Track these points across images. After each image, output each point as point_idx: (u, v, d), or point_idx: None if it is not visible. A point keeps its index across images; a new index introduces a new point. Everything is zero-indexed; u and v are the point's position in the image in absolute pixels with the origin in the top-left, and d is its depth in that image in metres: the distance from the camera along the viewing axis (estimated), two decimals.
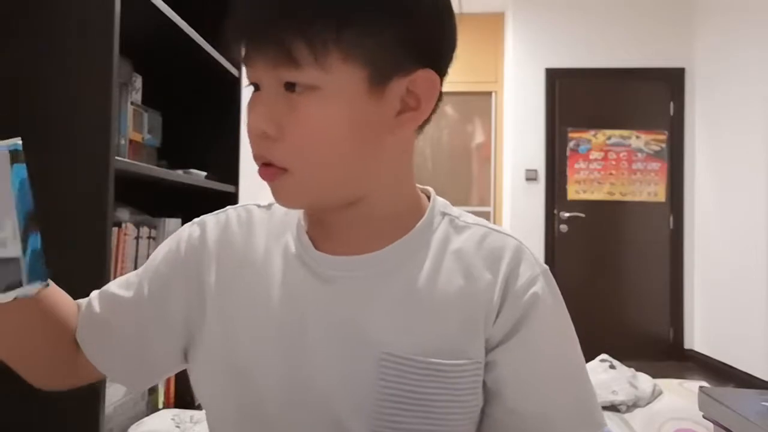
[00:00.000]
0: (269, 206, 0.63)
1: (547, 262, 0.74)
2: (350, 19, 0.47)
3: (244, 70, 0.54)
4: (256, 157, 0.53)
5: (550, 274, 0.58)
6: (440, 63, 0.54)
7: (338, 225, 0.57)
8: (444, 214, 0.59)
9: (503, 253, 0.56)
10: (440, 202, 0.61)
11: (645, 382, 1.77)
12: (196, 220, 0.66)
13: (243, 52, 0.51)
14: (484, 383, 0.54)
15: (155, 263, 0.65)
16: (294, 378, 0.53)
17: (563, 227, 4.30)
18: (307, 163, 0.50)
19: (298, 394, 0.53)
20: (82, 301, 0.65)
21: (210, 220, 0.64)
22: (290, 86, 0.49)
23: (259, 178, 0.55)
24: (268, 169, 0.52)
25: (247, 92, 0.56)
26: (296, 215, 0.60)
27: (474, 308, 0.54)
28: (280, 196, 0.54)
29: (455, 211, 0.61)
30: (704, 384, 1.61)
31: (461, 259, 0.56)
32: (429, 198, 0.61)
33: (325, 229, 0.58)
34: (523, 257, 0.57)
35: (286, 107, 0.49)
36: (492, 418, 0.54)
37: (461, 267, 0.55)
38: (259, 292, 0.57)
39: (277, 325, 0.55)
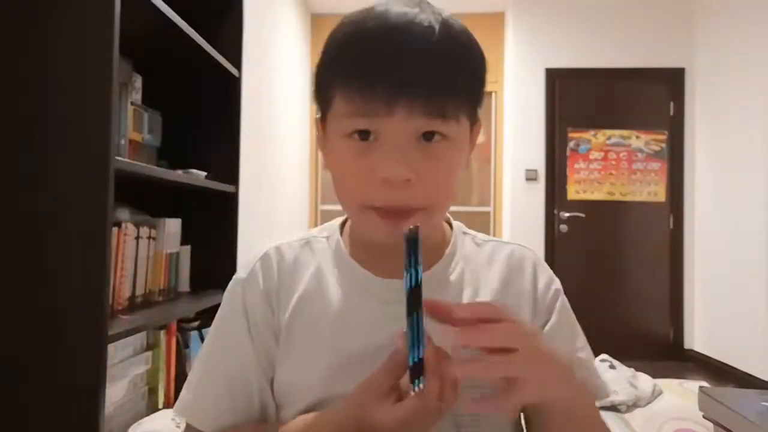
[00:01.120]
0: (307, 241, 0.68)
1: (547, 261, 0.75)
2: (476, 84, 0.59)
3: (343, 119, 0.57)
4: (384, 201, 0.56)
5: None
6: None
7: (393, 251, 0.56)
8: (464, 233, 0.70)
9: (524, 262, 0.68)
10: (458, 225, 0.71)
11: (645, 382, 1.77)
12: (230, 288, 0.67)
13: (376, 96, 0.53)
14: None
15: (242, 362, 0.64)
16: None
17: (563, 227, 4.30)
18: (445, 200, 0.60)
19: None
20: None
21: (249, 276, 0.66)
22: (429, 136, 0.56)
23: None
24: (401, 211, 0.57)
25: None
26: (331, 246, 0.67)
27: (513, 306, 0.63)
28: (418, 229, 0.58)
29: (471, 231, 0.72)
30: (704, 384, 1.61)
31: (491, 269, 0.66)
32: (449, 223, 0.71)
33: (371, 255, 0.64)
34: (538, 265, 0.69)
35: (423, 155, 0.55)
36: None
37: (493, 275, 0.66)
38: (326, 323, 0.62)
39: (350, 354, 0.60)
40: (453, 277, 0.65)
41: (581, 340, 0.68)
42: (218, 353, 0.64)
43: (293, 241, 0.68)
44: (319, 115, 0.62)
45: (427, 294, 0.50)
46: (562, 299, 0.67)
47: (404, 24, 0.54)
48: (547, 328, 0.65)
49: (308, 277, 0.64)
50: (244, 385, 0.62)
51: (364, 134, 0.55)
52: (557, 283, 0.68)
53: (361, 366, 0.55)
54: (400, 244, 0.52)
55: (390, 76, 0.53)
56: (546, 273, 0.68)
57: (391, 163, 0.54)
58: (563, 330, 0.65)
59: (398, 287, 0.51)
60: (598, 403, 0.65)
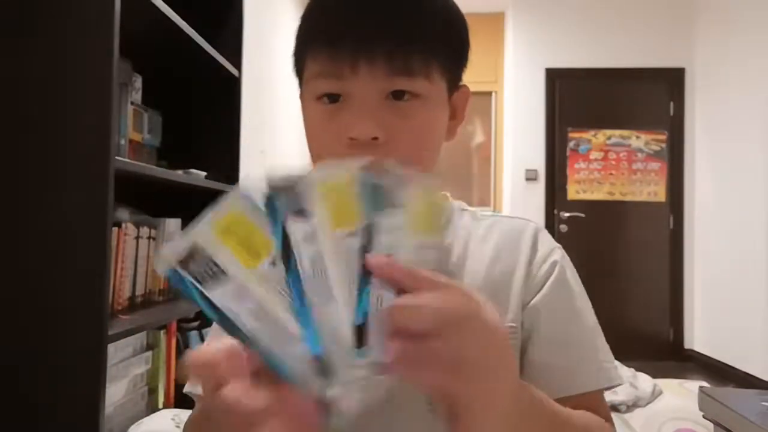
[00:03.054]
0: None
1: None
2: (450, 41, 0.56)
3: (311, 81, 0.55)
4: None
5: (563, 251, 0.65)
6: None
7: None
8: (463, 210, 0.66)
9: (524, 232, 0.63)
10: (457, 203, 0.67)
11: (645, 382, 1.77)
12: None
13: (339, 58, 0.51)
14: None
15: None
16: None
17: (563, 227, 4.30)
18: (419, 162, 0.54)
19: None
20: None
21: None
22: (399, 95, 0.53)
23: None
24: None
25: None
26: None
27: (502, 280, 0.59)
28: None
29: (472, 208, 0.68)
30: (704, 384, 1.61)
31: (486, 242, 0.62)
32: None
33: None
34: (540, 235, 0.63)
35: (394, 114, 0.53)
36: (521, 374, 0.56)
37: (486, 248, 0.62)
38: None
39: None
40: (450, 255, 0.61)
41: (584, 318, 0.60)
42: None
43: None
44: (298, 83, 0.61)
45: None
46: (560, 271, 0.60)
47: None
48: (534, 300, 0.59)
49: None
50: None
51: (332, 97, 0.54)
52: (557, 254, 0.62)
53: None
54: None
55: (352, 33, 0.51)
56: (546, 244, 0.63)
57: (357, 122, 0.51)
58: (555, 304, 0.59)
59: None
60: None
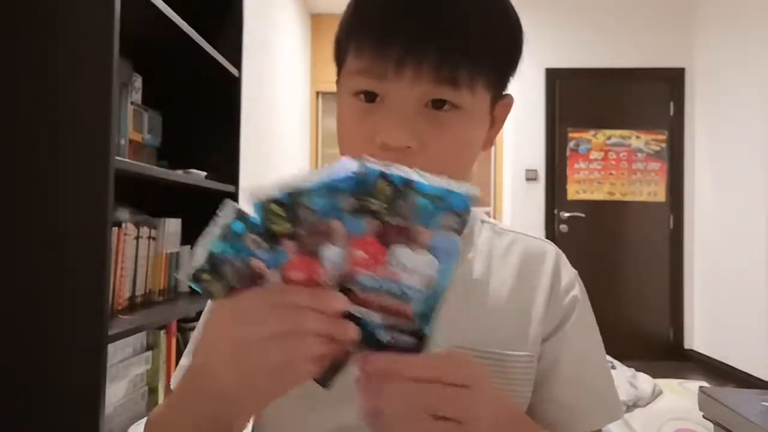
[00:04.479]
0: None
1: None
2: (502, 54, 0.53)
3: (351, 75, 0.52)
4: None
5: (579, 277, 0.64)
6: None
7: None
8: (483, 221, 0.65)
9: (545, 257, 0.62)
10: (478, 211, 0.65)
11: (645, 382, 1.77)
12: None
13: (384, 56, 0.49)
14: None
15: None
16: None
17: (563, 227, 4.30)
18: (453, 176, 0.50)
19: None
20: None
21: None
22: (439, 103, 0.50)
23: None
24: None
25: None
26: None
27: (524, 305, 0.59)
28: None
29: (492, 220, 0.66)
30: (704, 384, 1.61)
31: (508, 260, 0.61)
32: None
33: None
34: (561, 261, 0.63)
35: (431, 124, 0.51)
36: (531, 408, 0.58)
37: (509, 267, 0.61)
38: None
39: None
40: (467, 258, 0.59)
41: (599, 355, 0.62)
42: None
43: None
44: (337, 71, 0.59)
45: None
46: (582, 306, 0.61)
47: None
48: (555, 337, 0.59)
49: None
50: None
51: (370, 95, 0.52)
52: (578, 287, 0.62)
53: None
54: None
55: (401, 33, 0.48)
56: (568, 273, 0.62)
57: (391, 128, 0.49)
58: (576, 344, 0.59)
59: None
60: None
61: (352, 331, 0.37)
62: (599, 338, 0.63)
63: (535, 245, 0.63)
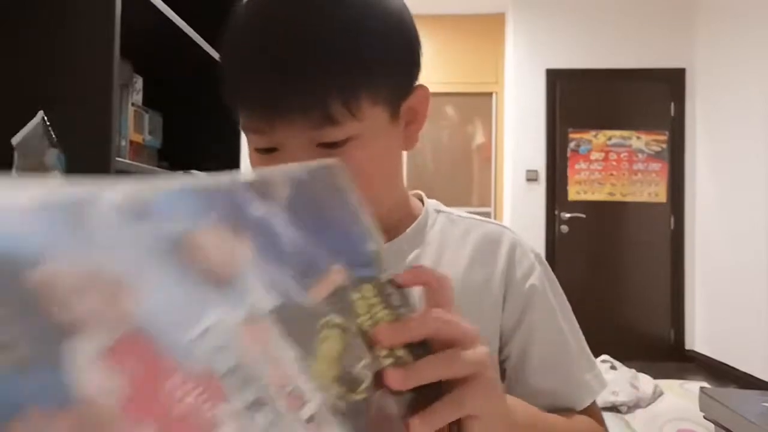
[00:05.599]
0: None
1: (547, 262, 0.75)
2: (377, 69, 0.50)
3: (247, 133, 0.52)
4: None
5: (542, 257, 0.63)
6: (419, 74, 0.57)
7: None
8: (438, 211, 0.64)
9: (500, 244, 0.61)
10: (433, 202, 0.65)
11: (646, 382, 1.77)
12: None
13: (256, 118, 0.50)
14: (502, 368, 0.59)
15: None
16: None
17: (564, 228, 4.30)
18: (377, 193, 0.50)
19: None
20: None
21: None
22: (328, 144, 0.49)
23: None
24: None
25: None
26: None
27: (480, 296, 0.58)
28: None
29: (448, 209, 0.65)
30: (705, 385, 1.61)
31: (462, 246, 0.60)
32: (422, 200, 0.65)
33: None
34: (518, 247, 0.61)
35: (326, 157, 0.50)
36: (510, 390, 0.58)
37: (463, 252, 0.60)
38: None
39: None
40: (409, 258, 0.58)
41: (568, 337, 0.61)
42: None
43: None
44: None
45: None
46: (542, 292, 0.60)
47: (275, 30, 0.48)
48: (520, 329, 0.59)
49: None
50: None
51: (265, 150, 0.52)
52: (537, 274, 0.60)
53: None
54: None
55: (262, 91, 0.48)
56: (525, 261, 0.61)
57: None
58: (540, 333, 0.59)
59: None
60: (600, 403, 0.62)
61: None
62: (568, 317, 0.62)
63: (491, 230, 0.62)
